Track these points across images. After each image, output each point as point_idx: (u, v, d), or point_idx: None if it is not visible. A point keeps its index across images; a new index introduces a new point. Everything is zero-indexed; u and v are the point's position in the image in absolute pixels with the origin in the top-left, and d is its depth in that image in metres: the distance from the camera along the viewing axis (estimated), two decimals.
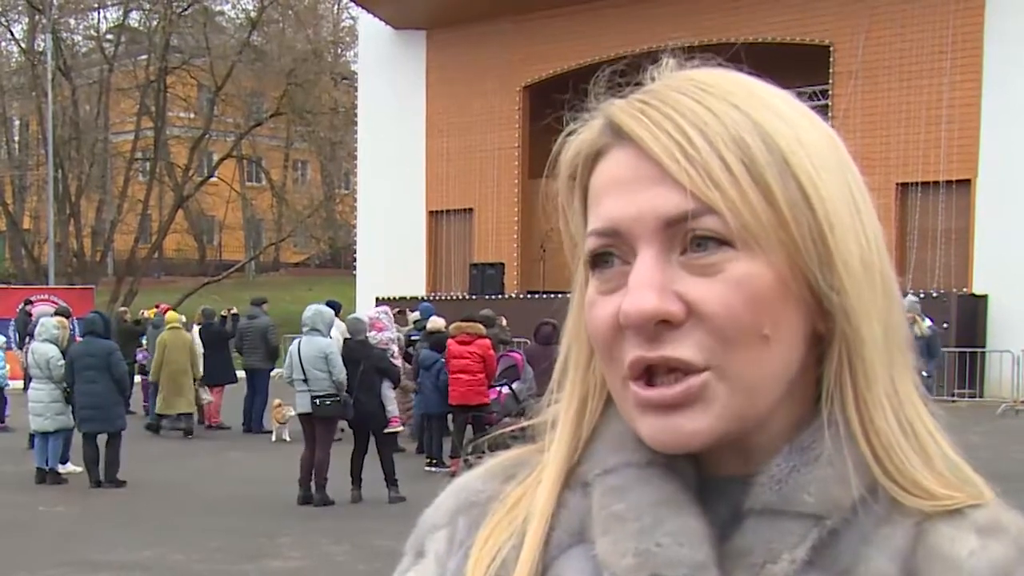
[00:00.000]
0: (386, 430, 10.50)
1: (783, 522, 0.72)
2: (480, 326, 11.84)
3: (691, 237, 0.70)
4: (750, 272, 0.70)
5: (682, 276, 0.70)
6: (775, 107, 0.73)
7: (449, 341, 11.74)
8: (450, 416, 12.03)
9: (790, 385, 0.74)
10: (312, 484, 10.14)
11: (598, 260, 0.74)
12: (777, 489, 0.72)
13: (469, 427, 11.99)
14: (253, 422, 15.59)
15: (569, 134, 0.79)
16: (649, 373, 0.72)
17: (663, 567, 0.71)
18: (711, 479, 0.76)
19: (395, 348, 12.42)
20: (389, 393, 10.66)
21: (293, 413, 13.88)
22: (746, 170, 0.70)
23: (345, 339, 10.92)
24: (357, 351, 10.50)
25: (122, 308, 21.95)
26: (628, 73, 0.79)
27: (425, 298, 21.04)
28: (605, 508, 0.75)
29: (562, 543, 0.77)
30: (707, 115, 0.71)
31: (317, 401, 10.18)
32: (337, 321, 12.62)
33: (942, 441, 0.76)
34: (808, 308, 0.72)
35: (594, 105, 0.77)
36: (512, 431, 0.91)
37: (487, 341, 11.67)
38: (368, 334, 10.99)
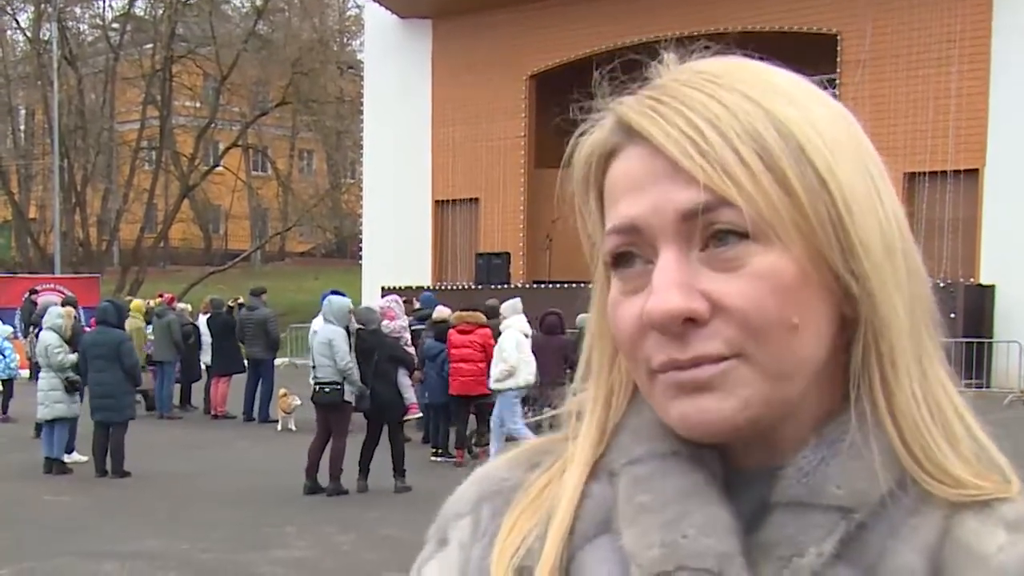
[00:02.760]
0: (406, 417, 10.52)
1: (810, 515, 0.71)
2: (481, 315, 11.88)
3: (711, 232, 0.70)
4: (773, 265, 0.69)
5: (704, 273, 0.70)
6: (787, 92, 0.73)
7: (450, 331, 11.76)
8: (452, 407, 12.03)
9: (819, 372, 0.73)
10: (316, 474, 10.14)
11: (619, 260, 0.74)
12: (805, 482, 0.72)
13: (473, 417, 12.01)
14: (259, 412, 15.62)
15: (581, 134, 0.78)
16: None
17: (689, 558, 0.70)
18: (738, 471, 0.75)
19: (407, 336, 12.43)
20: (405, 380, 10.67)
21: (299, 403, 13.92)
22: (761, 161, 0.69)
23: (358, 329, 10.89)
24: (370, 341, 10.49)
25: (127, 298, 21.94)
26: (630, 69, 0.78)
27: (430, 288, 21.02)
28: (631, 498, 0.75)
29: (587, 533, 0.77)
30: (719, 108, 0.70)
31: (317, 388, 10.21)
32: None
33: (971, 421, 0.76)
34: (833, 294, 0.72)
35: (602, 104, 0.77)
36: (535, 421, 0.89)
37: (488, 330, 11.69)
38: (381, 323, 10.99)
